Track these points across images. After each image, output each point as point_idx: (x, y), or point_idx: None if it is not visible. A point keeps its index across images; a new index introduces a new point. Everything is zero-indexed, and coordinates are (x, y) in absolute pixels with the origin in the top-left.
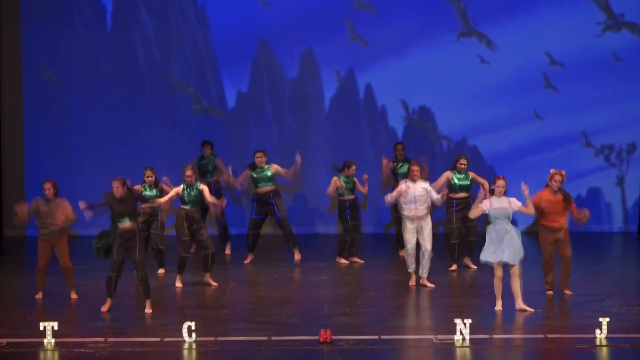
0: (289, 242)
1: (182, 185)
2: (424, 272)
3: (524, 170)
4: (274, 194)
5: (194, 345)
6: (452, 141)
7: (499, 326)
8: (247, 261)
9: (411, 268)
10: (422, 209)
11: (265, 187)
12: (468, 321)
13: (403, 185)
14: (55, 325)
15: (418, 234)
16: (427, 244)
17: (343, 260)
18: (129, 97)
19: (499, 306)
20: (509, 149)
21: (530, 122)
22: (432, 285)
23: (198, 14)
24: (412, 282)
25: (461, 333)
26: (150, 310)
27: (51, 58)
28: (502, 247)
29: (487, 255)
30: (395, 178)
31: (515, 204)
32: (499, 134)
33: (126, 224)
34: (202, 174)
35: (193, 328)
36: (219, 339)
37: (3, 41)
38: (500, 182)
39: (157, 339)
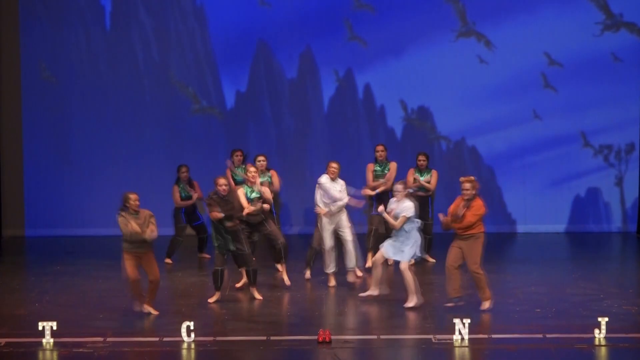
0: (277, 259)
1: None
2: (351, 263)
3: (522, 170)
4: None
5: (192, 345)
6: (451, 141)
7: (498, 326)
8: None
9: (330, 269)
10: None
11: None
12: (467, 321)
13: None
14: (54, 325)
15: (337, 228)
16: (348, 236)
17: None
18: (127, 96)
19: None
20: (507, 149)
21: (529, 122)
22: (361, 274)
23: (197, 13)
24: (332, 284)
25: (460, 333)
26: (260, 297)
27: (50, 57)
28: (401, 246)
29: (388, 250)
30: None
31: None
32: (497, 134)
33: (229, 223)
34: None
35: (192, 328)
36: (218, 338)
37: (2, 40)
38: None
39: (156, 339)
